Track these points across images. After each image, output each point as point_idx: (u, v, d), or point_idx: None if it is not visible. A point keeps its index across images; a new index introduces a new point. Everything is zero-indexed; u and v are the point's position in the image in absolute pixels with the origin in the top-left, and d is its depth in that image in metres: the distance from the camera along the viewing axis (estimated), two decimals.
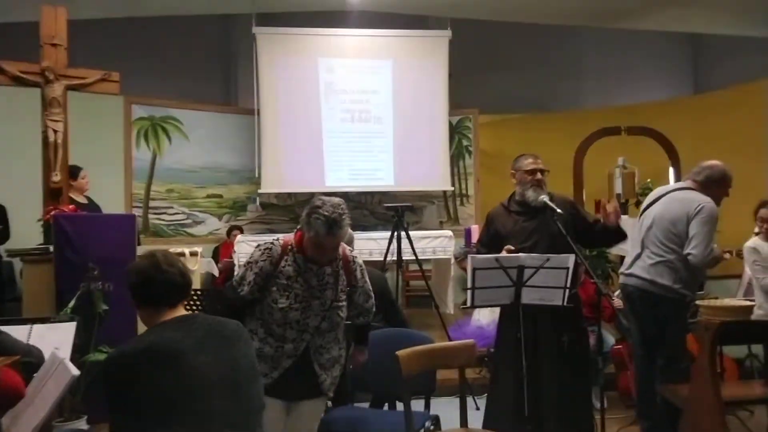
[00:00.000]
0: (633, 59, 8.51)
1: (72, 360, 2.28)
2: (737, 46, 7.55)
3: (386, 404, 3.14)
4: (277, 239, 2.39)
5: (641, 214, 3.36)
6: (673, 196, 3.27)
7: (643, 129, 6.75)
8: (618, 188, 6.63)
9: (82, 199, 4.89)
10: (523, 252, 2.79)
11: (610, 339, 4.11)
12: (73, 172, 4.90)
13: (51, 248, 3.83)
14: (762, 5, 6.57)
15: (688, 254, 3.04)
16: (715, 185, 3.23)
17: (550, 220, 2.93)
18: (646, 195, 6.55)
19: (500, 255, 2.74)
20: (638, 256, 3.22)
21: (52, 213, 3.89)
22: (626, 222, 3.68)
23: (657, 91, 8.22)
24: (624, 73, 8.52)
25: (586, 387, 3.12)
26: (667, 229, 3.13)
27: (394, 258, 4.50)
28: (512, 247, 2.91)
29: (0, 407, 1.90)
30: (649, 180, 6.70)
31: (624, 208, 5.69)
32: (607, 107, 7.77)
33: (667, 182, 6.83)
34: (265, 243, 2.38)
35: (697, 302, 3.01)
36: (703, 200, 3.15)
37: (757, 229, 3.69)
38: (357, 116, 7.07)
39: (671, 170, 6.77)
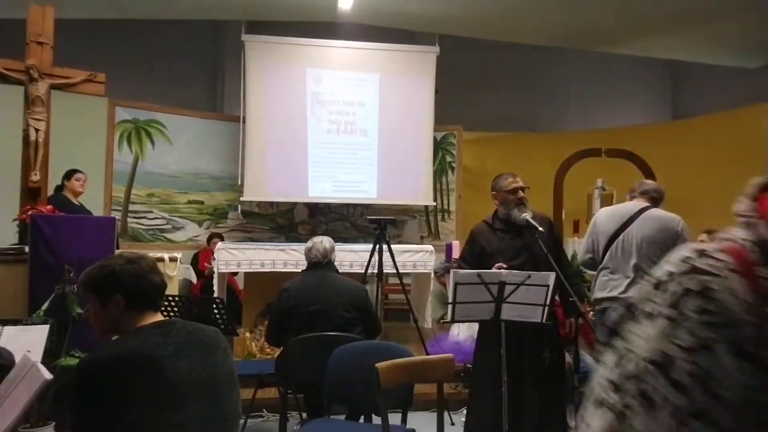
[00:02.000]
0: (615, 84, 8.71)
1: (43, 364, 2.23)
2: (716, 75, 7.77)
3: (362, 417, 3.12)
4: None
5: (611, 237, 3.35)
6: (648, 216, 3.36)
7: (622, 152, 6.90)
8: (596, 209, 6.74)
9: (76, 202, 4.84)
10: (513, 269, 2.81)
11: (589, 359, 4.13)
12: (68, 173, 4.86)
13: (26, 248, 3.76)
14: (739, 38, 6.78)
15: None
16: (661, 201, 3.49)
17: (532, 238, 2.96)
18: None
19: (482, 270, 2.76)
20: (633, 280, 3.23)
21: (29, 213, 3.83)
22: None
23: (637, 116, 8.41)
24: (606, 96, 8.71)
25: (562, 405, 3.15)
26: (660, 249, 3.21)
27: (375, 271, 4.50)
28: (504, 265, 2.92)
29: None
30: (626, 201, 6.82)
31: None
32: (589, 130, 7.93)
33: None
34: None
35: None
36: (677, 217, 3.37)
37: None
38: (343, 128, 7.09)
39: None
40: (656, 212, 3.41)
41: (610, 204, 6.72)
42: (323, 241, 3.37)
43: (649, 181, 3.65)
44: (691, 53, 7.55)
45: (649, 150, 6.99)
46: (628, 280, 3.27)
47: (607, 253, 3.35)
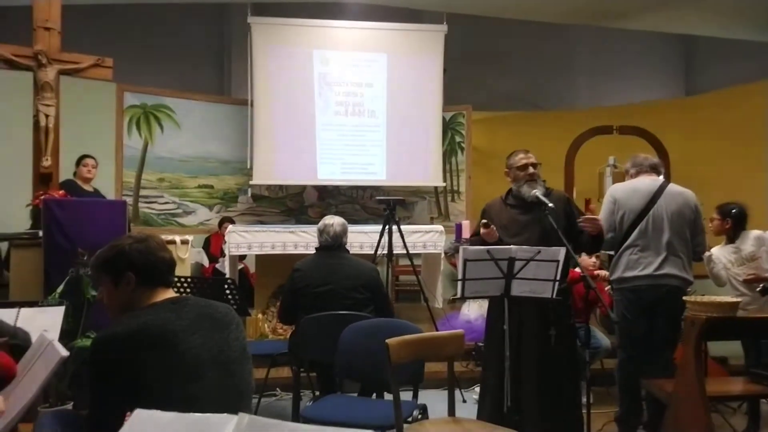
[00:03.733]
0: (626, 60, 8.58)
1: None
2: (729, 48, 7.63)
3: (374, 394, 3.15)
4: None
5: (639, 214, 3.29)
6: (671, 192, 3.34)
7: (634, 129, 6.81)
8: (608, 187, 6.68)
9: (88, 188, 4.88)
10: (518, 244, 2.81)
11: (603, 338, 4.11)
12: (78, 160, 4.90)
13: (40, 233, 3.81)
14: (753, 10, 6.63)
15: (698, 246, 3.34)
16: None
17: (543, 215, 2.95)
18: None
19: (492, 246, 2.75)
20: (666, 258, 3.21)
21: (42, 197, 3.87)
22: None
23: (649, 92, 8.29)
24: (617, 73, 8.59)
25: (571, 382, 3.14)
26: (683, 226, 3.28)
27: (385, 252, 4.51)
28: (485, 221, 3.02)
29: None
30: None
31: None
32: (599, 107, 7.83)
33: None
34: None
35: (684, 298, 3.04)
36: (692, 192, 3.38)
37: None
38: (351, 109, 7.06)
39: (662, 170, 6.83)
40: (676, 187, 3.39)
41: (622, 182, 6.68)
42: (334, 224, 3.36)
43: (645, 156, 3.59)
44: (703, 27, 7.40)
45: (662, 126, 6.89)
46: (661, 257, 3.21)
47: (635, 231, 3.27)
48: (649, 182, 3.41)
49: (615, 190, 3.48)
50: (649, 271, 3.21)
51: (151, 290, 1.72)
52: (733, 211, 3.83)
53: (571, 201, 3.26)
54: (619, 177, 6.67)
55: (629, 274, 3.27)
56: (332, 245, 3.34)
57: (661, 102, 7.88)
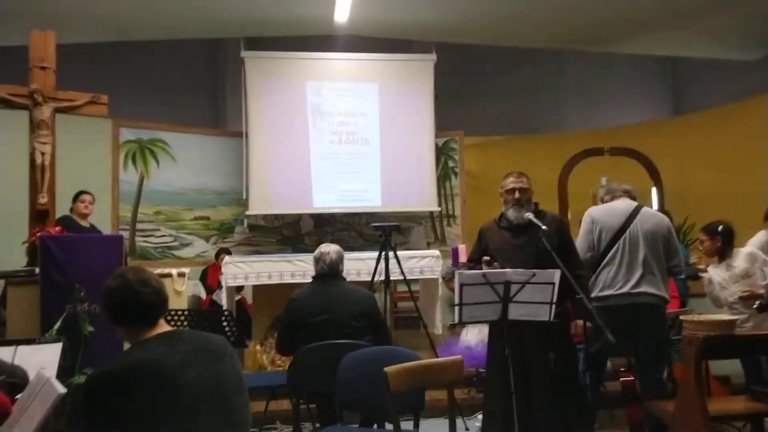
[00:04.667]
0: (615, 82, 8.71)
1: None
2: (715, 68, 7.77)
3: (375, 424, 3.12)
4: None
5: (617, 232, 3.37)
6: (645, 213, 3.45)
7: (625, 150, 6.88)
8: None
9: (84, 223, 4.89)
10: (513, 267, 2.82)
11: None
12: (75, 196, 4.93)
13: (37, 270, 3.80)
14: (736, 31, 6.79)
15: (675, 267, 3.38)
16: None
17: (536, 237, 2.97)
18: None
19: (487, 270, 2.77)
20: (643, 275, 3.28)
21: (39, 234, 3.87)
22: None
23: (638, 113, 8.40)
24: (607, 95, 8.70)
25: (574, 405, 3.12)
26: (658, 246, 3.35)
27: (382, 278, 4.51)
28: (488, 258, 3.03)
29: None
30: None
31: None
32: (590, 129, 7.93)
33: (650, 201, 6.96)
34: None
35: (681, 317, 3.05)
36: (664, 216, 3.54)
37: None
38: (344, 138, 7.13)
39: (654, 190, 6.89)
40: (649, 210, 3.56)
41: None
42: (330, 252, 3.37)
43: (619, 182, 3.71)
44: (690, 48, 7.56)
45: (653, 146, 6.98)
46: (637, 275, 3.28)
47: (613, 249, 3.35)
48: (625, 204, 3.52)
49: (592, 210, 3.59)
50: (626, 289, 3.28)
51: (136, 329, 1.71)
52: (720, 228, 3.87)
53: (563, 225, 3.29)
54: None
55: (607, 292, 3.33)
56: (328, 273, 3.35)
57: (650, 122, 7.99)
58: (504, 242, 3.14)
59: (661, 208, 6.44)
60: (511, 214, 3.11)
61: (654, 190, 6.87)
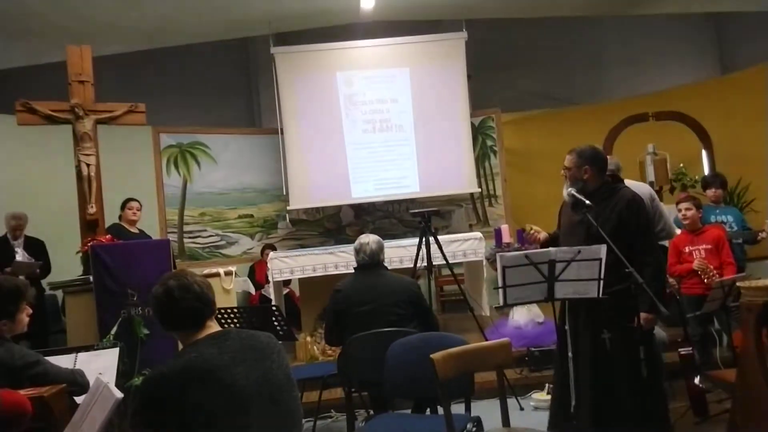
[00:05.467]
0: (655, 45, 8.33)
1: (117, 386, 2.34)
2: (762, 23, 7.34)
3: (428, 409, 3.12)
4: None
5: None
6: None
7: (670, 114, 6.63)
8: (650, 176, 6.51)
9: (133, 230, 5.05)
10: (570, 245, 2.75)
11: (659, 332, 3.97)
12: (123, 203, 5.10)
13: (91, 278, 3.94)
14: None
15: (660, 231, 3.72)
16: None
17: (583, 214, 2.89)
18: (680, 180, 6.44)
19: (530, 251, 2.71)
20: None
21: (90, 244, 4.01)
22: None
23: (682, 76, 8.03)
24: (646, 60, 8.34)
25: (641, 384, 2.92)
26: None
27: (425, 264, 4.49)
28: (536, 227, 3.15)
29: (9, 426, 1.93)
30: (681, 165, 6.55)
31: (659, 195, 5.58)
32: (632, 96, 7.64)
33: (701, 165, 6.69)
34: None
35: (738, 284, 2.91)
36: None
37: None
38: (378, 126, 7.10)
39: (704, 153, 6.62)
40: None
41: (665, 168, 6.48)
42: (370, 243, 3.37)
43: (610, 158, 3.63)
44: (733, 3, 7.16)
45: (700, 108, 6.69)
46: None
47: None
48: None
49: (646, 187, 3.69)
50: None
51: (184, 332, 1.76)
52: None
53: (637, 203, 2.95)
54: (661, 163, 6.50)
55: None
56: (370, 263, 3.35)
57: (696, 84, 7.63)
58: (567, 219, 3.10)
59: (713, 171, 6.18)
60: (564, 192, 3.06)
61: (704, 153, 6.60)
